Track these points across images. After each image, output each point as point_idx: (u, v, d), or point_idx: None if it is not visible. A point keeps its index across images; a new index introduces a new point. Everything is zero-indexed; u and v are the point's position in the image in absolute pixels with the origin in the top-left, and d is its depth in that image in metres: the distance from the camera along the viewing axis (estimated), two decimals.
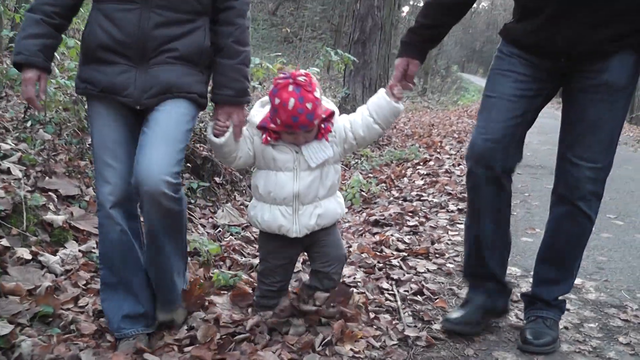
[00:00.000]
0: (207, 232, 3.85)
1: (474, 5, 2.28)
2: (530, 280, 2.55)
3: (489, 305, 2.43)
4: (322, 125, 2.23)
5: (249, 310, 2.48)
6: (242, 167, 2.44)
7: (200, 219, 4.18)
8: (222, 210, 4.38)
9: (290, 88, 2.08)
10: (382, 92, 2.27)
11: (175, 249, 2.17)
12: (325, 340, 2.17)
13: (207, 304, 2.50)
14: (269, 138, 2.19)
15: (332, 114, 2.22)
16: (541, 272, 2.43)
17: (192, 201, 4.42)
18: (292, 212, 2.25)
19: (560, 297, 2.40)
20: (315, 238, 2.34)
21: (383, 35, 8.43)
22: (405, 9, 27.46)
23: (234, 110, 2.11)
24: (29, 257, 2.78)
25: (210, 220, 4.22)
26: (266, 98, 2.27)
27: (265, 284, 2.40)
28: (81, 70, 2.08)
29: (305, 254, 2.60)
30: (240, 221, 4.23)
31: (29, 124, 4.27)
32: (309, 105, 2.08)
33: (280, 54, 8.36)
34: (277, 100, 2.10)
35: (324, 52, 6.40)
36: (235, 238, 3.78)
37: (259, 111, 2.28)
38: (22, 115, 4.43)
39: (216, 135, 2.14)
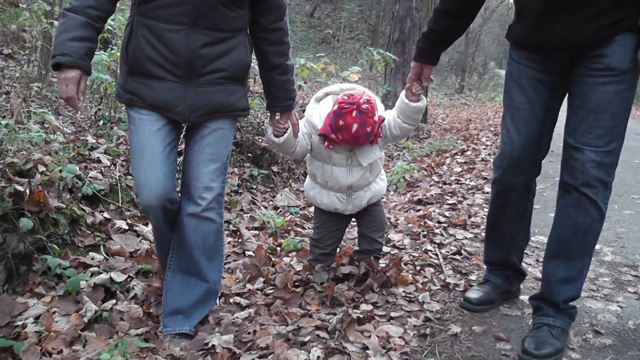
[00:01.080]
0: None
1: (511, 2, 2.42)
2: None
3: (506, 287, 2.61)
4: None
5: None
6: (299, 157, 2.80)
7: (262, 201, 4.75)
8: (281, 195, 4.94)
9: (354, 114, 2.41)
10: (402, 95, 2.59)
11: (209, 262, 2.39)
12: (382, 283, 2.68)
13: (273, 262, 3.05)
14: (331, 146, 2.57)
15: (382, 120, 2.59)
16: (549, 270, 2.29)
17: (254, 187, 5.00)
18: (347, 197, 2.76)
19: (570, 303, 2.27)
20: (364, 209, 2.84)
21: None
22: None
23: (291, 114, 2.43)
24: (126, 227, 3.41)
25: (270, 202, 4.78)
26: (319, 94, 2.72)
27: (320, 248, 2.89)
28: (125, 81, 2.15)
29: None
30: (297, 203, 4.77)
31: (101, 122, 4.90)
32: (368, 129, 2.46)
33: (323, 54, 8.84)
34: (341, 122, 2.45)
35: (367, 52, 6.88)
36: (294, 216, 4.33)
37: (314, 108, 2.69)
38: (93, 116, 5.08)
39: (277, 136, 2.50)
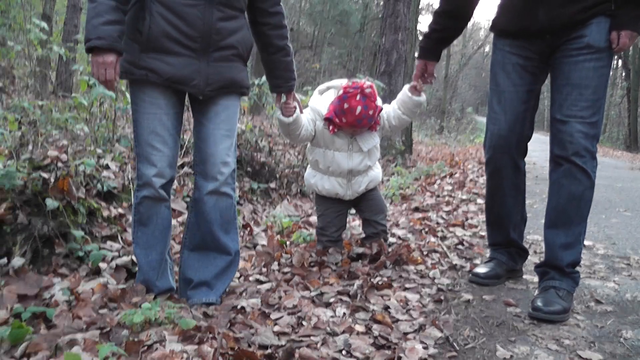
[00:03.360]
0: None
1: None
2: None
3: (510, 264, 2.77)
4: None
5: None
6: (303, 141, 2.97)
7: (263, 211, 4.87)
8: (281, 206, 5.07)
9: (358, 97, 2.70)
10: (405, 89, 2.87)
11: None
12: (394, 261, 2.82)
13: (286, 250, 3.18)
14: (335, 130, 2.83)
15: (381, 110, 2.86)
16: (550, 238, 2.44)
17: (254, 199, 5.14)
18: (346, 182, 2.98)
19: (573, 267, 2.42)
20: (362, 196, 3.06)
21: (407, 67, 9.23)
22: None
23: (294, 93, 2.63)
24: None
25: (270, 212, 4.90)
26: (323, 86, 2.99)
27: (326, 236, 3.07)
28: (138, 58, 2.17)
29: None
30: (296, 214, 4.90)
31: (101, 143, 5.03)
32: (371, 112, 2.73)
33: (309, 87, 9.07)
34: (345, 105, 2.70)
35: (358, 79, 7.11)
36: (297, 222, 4.45)
37: (318, 99, 2.95)
38: (93, 135, 5.20)
39: (288, 116, 2.68)
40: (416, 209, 4.67)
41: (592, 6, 2.26)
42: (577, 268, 2.48)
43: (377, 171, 3.08)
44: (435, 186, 6.24)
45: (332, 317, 2.13)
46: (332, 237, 3.05)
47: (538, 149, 12.16)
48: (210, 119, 2.34)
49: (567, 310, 2.31)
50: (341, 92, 2.73)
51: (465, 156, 11.30)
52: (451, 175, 7.13)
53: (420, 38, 2.83)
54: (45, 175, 2.93)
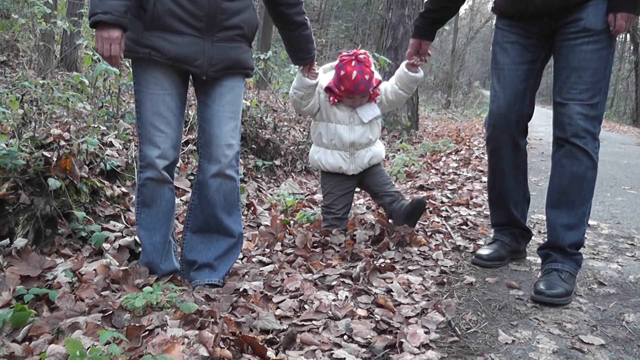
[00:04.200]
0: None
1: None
2: None
3: (514, 245, 2.76)
4: (372, 92, 2.97)
5: None
6: (308, 113, 3.04)
7: (268, 189, 4.86)
8: (285, 184, 5.06)
9: (353, 63, 2.84)
10: (402, 65, 2.94)
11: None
12: (397, 242, 2.81)
13: (289, 230, 3.17)
14: (335, 100, 2.93)
15: (379, 82, 2.97)
16: (552, 218, 2.43)
17: (259, 176, 5.12)
18: (350, 155, 3.03)
19: (576, 249, 2.41)
20: (367, 171, 3.10)
21: None
22: None
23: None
24: None
25: (275, 191, 4.90)
26: (327, 65, 3.09)
27: (332, 213, 3.07)
28: (142, 36, 2.13)
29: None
30: (300, 191, 4.89)
31: (106, 117, 5.01)
32: (367, 77, 2.84)
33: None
34: (342, 72, 2.85)
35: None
36: (301, 201, 4.45)
37: (322, 76, 3.01)
38: (100, 109, 5.18)
39: (313, 79, 2.80)
40: (421, 187, 4.65)
41: None
42: (581, 249, 2.46)
43: (380, 148, 3.15)
44: (441, 163, 6.21)
45: (334, 300, 2.13)
46: (338, 214, 3.07)
47: (545, 124, 12.10)
48: (215, 100, 2.31)
49: (570, 293, 2.30)
50: (337, 61, 2.89)
51: (471, 131, 11.22)
52: (457, 152, 7.08)
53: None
54: (47, 154, 2.91)
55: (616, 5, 2.24)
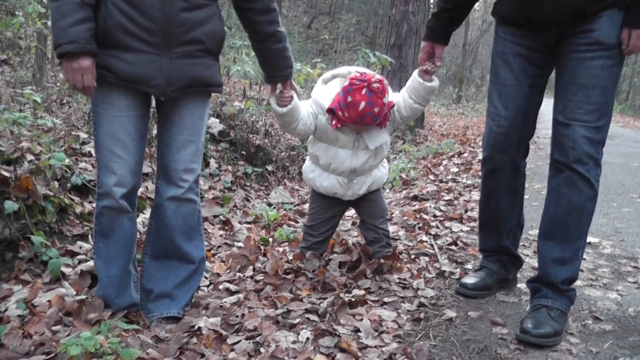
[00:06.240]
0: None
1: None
2: None
3: (502, 274, 2.55)
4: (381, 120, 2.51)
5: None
6: (302, 136, 2.69)
7: (255, 199, 4.69)
8: (275, 192, 4.88)
9: (364, 92, 2.33)
10: (415, 74, 2.52)
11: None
12: (375, 270, 2.62)
13: (264, 250, 2.98)
14: (338, 125, 2.48)
15: (392, 106, 2.51)
16: (545, 251, 2.22)
17: (247, 184, 4.94)
18: (347, 182, 2.66)
19: (569, 285, 2.21)
20: (363, 197, 2.75)
21: (418, 39, 8.87)
22: None
23: (291, 82, 2.37)
24: None
25: (264, 200, 4.72)
26: (327, 75, 2.64)
27: (313, 236, 2.78)
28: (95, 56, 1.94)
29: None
30: (291, 200, 4.71)
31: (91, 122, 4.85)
32: (376, 110, 2.37)
33: (319, 59, 8.80)
34: (349, 98, 2.36)
35: (363, 54, 6.83)
36: (288, 212, 4.26)
37: (321, 89, 2.60)
38: (85, 115, 5.03)
39: (284, 106, 2.39)
40: (415, 198, 4.44)
41: None
42: (578, 275, 2.26)
43: (382, 172, 2.76)
44: (441, 168, 5.99)
45: (293, 342, 1.95)
46: (320, 238, 2.79)
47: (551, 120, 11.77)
48: (174, 123, 2.15)
49: (559, 333, 2.10)
50: (347, 83, 2.41)
51: (479, 129, 10.97)
52: (459, 154, 6.85)
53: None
54: (6, 173, 2.75)
55: (633, 21, 2.00)
